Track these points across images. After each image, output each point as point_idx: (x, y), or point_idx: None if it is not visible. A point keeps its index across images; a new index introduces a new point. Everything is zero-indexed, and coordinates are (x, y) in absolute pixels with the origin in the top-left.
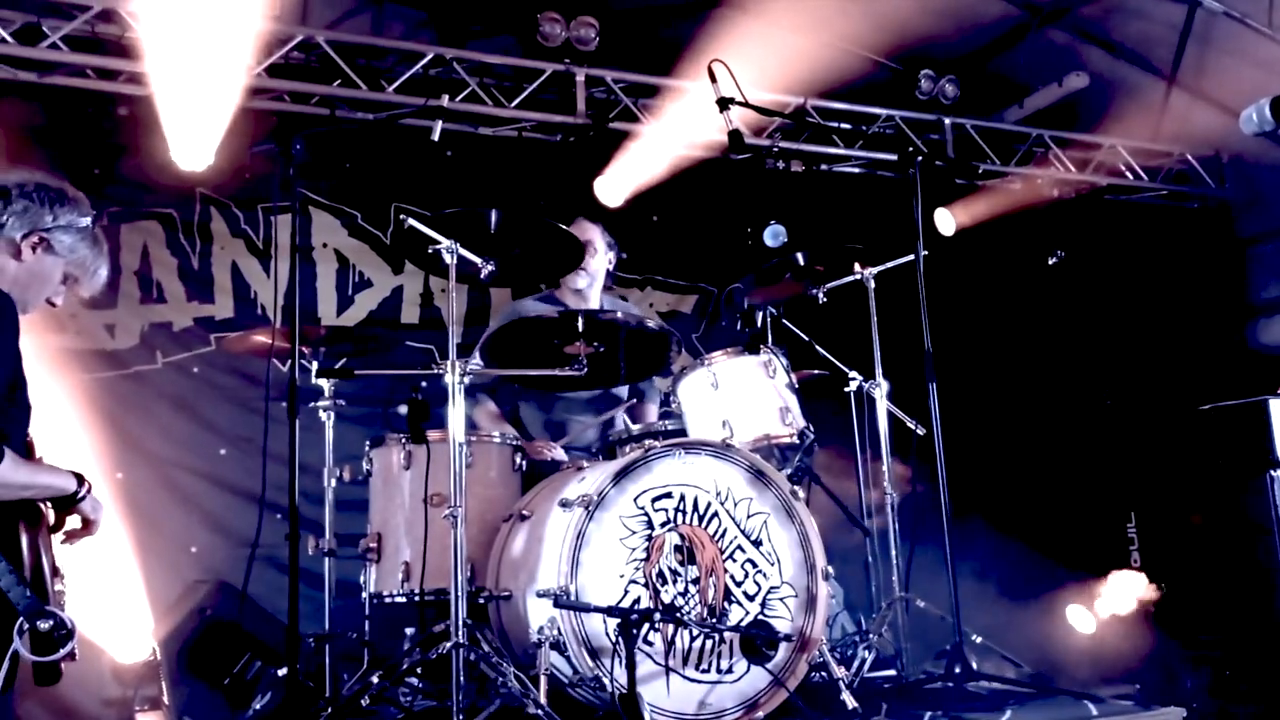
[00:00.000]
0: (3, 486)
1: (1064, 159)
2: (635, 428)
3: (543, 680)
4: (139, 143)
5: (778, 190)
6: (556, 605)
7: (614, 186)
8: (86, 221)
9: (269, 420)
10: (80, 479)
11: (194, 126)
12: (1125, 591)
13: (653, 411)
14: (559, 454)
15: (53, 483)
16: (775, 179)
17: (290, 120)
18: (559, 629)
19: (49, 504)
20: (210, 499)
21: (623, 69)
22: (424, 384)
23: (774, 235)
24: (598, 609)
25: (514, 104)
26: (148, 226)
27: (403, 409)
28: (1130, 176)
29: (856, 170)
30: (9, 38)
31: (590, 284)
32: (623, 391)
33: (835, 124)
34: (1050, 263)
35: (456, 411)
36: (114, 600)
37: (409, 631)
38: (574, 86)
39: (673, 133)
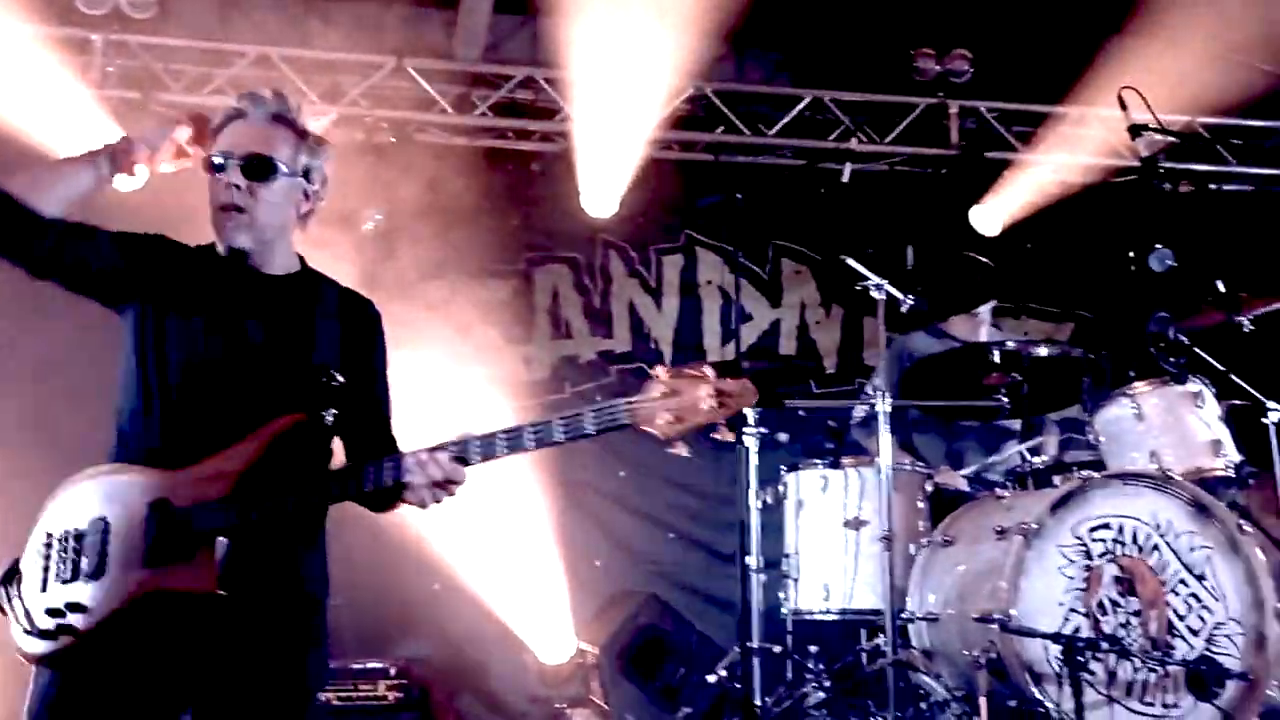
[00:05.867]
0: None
1: None
2: (1039, 460)
3: (983, 702)
4: (550, 195)
5: (1162, 213)
6: (1004, 630)
7: (989, 215)
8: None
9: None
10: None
11: (604, 177)
12: None
13: (1053, 443)
14: (960, 483)
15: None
16: (1160, 201)
17: (680, 167)
18: (997, 653)
19: None
20: (611, 517)
21: (996, 99)
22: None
23: (1160, 260)
24: (1046, 635)
25: (887, 140)
26: (558, 270)
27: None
28: None
29: (1248, 188)
30: (449, 108)
31: (975, 316)
32: (1015, 423)
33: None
34: None
35: (884, 439)
36: (539, 607)
37: (813, 650)
38: (947, 119)
39: (1052, 159)
